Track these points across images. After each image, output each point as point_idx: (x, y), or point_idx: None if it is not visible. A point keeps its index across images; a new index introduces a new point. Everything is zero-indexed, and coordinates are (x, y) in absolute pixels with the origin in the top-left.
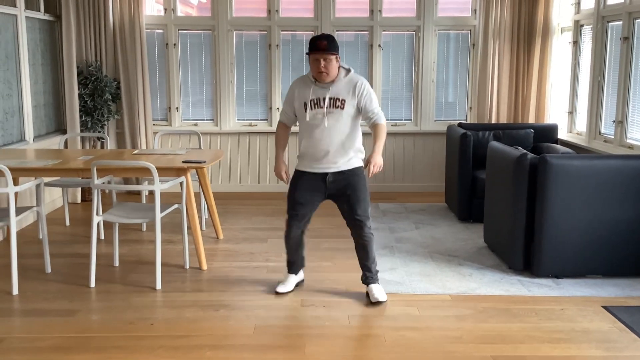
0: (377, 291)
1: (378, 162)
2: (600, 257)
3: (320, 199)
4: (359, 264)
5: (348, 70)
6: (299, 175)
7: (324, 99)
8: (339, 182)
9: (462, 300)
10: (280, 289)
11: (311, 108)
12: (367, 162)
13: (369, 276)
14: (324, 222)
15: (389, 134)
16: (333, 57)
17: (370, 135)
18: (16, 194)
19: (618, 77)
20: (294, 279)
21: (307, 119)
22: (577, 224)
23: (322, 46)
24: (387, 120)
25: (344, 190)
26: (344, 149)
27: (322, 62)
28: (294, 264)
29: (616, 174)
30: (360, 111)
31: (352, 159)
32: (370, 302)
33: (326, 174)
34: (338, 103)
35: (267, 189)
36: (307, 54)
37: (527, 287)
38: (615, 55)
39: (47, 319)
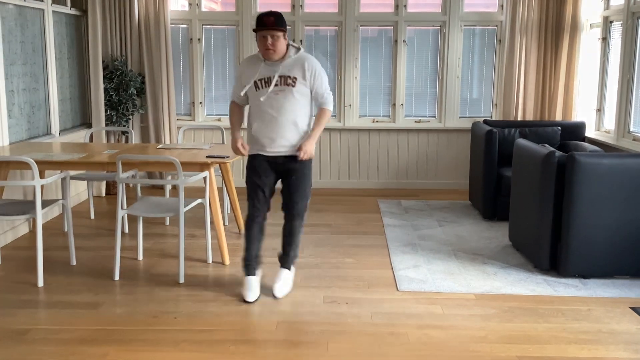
0: (281, 281)
1: (309, 150)
2: (628, 257)
3: (274, 179)
4: (281, 243)
5: (298, 49)
6: (252, 158)
7: (274, 77)
8: (288, 164)
9: (487, 300)
10: (250, 297)
11: (260, 87)
12: (299, 148)
13: (285, 259)
14: (346, 219)
15: (412, 130)
16: (280, 33)
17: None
18: (42, 186)
19: None
20: (255, 281)
21: (257, 98)
22: (605, 223)
23: (268, 22)
24: (410, 116)
25: (290, 174)
26: (296, 129)
27: (270, 39)
28: (249, 263)
29: None
30: (311, 91)
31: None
32: (271, 295)
33: (276, 157)
34: (289, 81)
35: None
36: (253, 30)
37: (553, 287)
38: None
39: (72, 311)
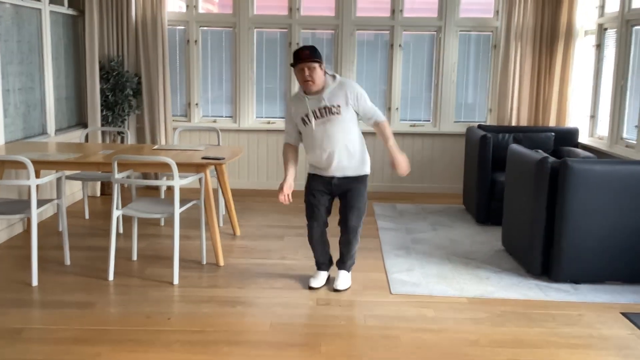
0: (341, 279)
1: (403, 161)
2: (620, 263)
3: (330, 198)
4: (339, 251)
5: (334, 76)
6: (310, 178)
7: (320, 109)
8: (344, 185)
9: (479, 304)
10: (313, 283)
11: (308, 122)
12: (395, 164)
13: (342, 265)
14: None
15: (407, 134)
16: (316, 64)
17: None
18: (37, 186)
19: None
20: (324, 275)
21: (308, 132)
22: (597, 229)
23: (304, 55)
24: (405, 120)
25: (346, 193)
26: (348, 153)
27: (307, 71)
28: (322, 264)
29: (638, 180)
30: (358, 114)
31: (359, 167)
32: (332, 288)
33: (333, 177)
34: (334, 109)
35: None
36: (291, 65)
37: (545, 292)
38: (639, 60)
39: (66, 310)
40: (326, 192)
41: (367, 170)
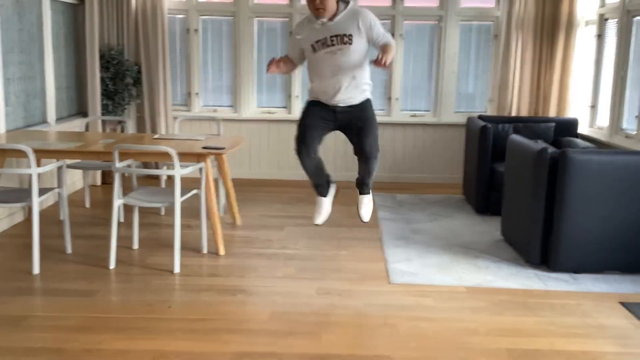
0: (365, 208)
1: (389, 56)
2: (619, 253)
3: (329, 127)
4: (358, 174)
5: (346, 2)
6: (310, 104)
7: (331, 37)
8: (349, 113)
9: (478, 293)
10: (318, 220)
11: (317, 49)
12: (381, 52)
13: (364, 187)
14: (341, 211)
15: (408, 124)
16: None
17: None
18: (38, 175)
19: None
20: (327, 202)
21: (315, 59)
22: (596, 220)
23: None
24: (406, 110)
25: (355, 122)
26: (355, 84)
27: None
28: (321, 186)
29: (637, 171)
30: (370, 42)
31: (362, 94)
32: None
33: (336, 106)
34: (345, 39)
35: (285, 177)
36: None
37: (543, 282)
38: (639, 51)
39: (67, 299)
40: (325, 119)
41: (369, 95)
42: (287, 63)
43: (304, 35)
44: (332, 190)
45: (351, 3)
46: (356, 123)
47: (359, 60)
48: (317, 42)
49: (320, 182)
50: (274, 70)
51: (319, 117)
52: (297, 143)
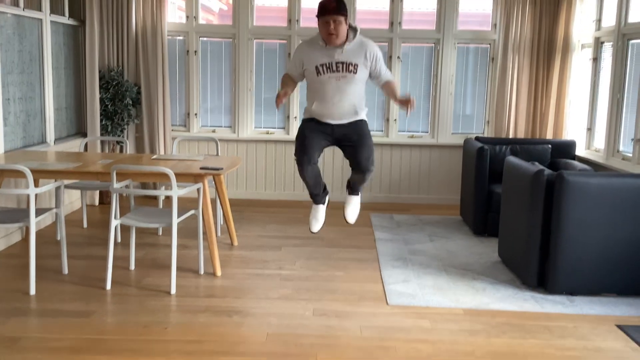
0: (351, 209)
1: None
2: (616, 275)
3: (326, 142)
4: (351, 178)
5: (355, 30)
6: (307, 120)
7: (337, 63)
8: (347, 127)
9: (475, 315)
10: (314, 227)
11: (322, 72)
12: (403, 101)
13: (354, 190)
14: (338, 232)
15: (405, 145)
16: (343, 18)
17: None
18: (36, 195)
19: (638, 95)
20: (322, 210)
21: (318, 82)
22: (592, 242)
23: (331, 8)
24: (403, 131)
25: (350, 136)
26: (354, 110)
27: (332, 24)
28: (317, 195)
29: (634, 193)
30: (371, 74)
31: (360, 113)
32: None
33: (332, 124)
34: (351, 67)
35: (283, 197)
36: (316, 16)
37: (540, 304)
38: (635, 74)
39: (63, 319)
40: (324, 133)
41: (365, 117)
42: (289, 84)
43: (310, 56)
44: (327, 199)
45: (359, 32)
46: (352, 137)
47: (361, 88)
48: (322, 65)
49: (317, 191)
50: (282, 101)
51: (318, 130)
52: (297, 152)
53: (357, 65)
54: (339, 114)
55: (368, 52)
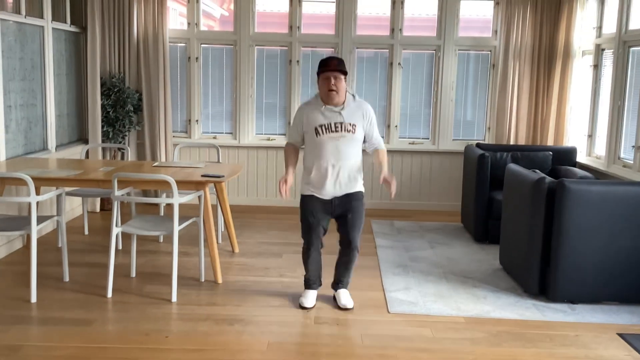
0: (345, 297)
1: (394, 182)
2: (617, 283)
3: (329, 215)
4: (335, 275)
5: (353, 95)
6: (308, 198)
7: (336, 124)
8: (344, 204)
9: (476, 323)
10: (306, 303)
11: (321, 133)
12: (386, 180)
13: (339, 285)
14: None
15: (406, 152)
16: (343, 76)
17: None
18: (37, 203)
19: (638, 102)
20: (313, 294)
21: (318, 143)
22: (594, 250)
23: (332, 65)
24: (404, 137)
25: (346, 213)
26: (352, 173)
27: (333, 80)
28: (314, 283)
29: (635, 201)
30: (365, 135)
31: (356, 185)
32: (338, 307)
33: (333, 198)
34: (349, 127)
35: (284, 203)
36: (317, 74)
37: (542, 312)
38: (636, 80)
39: (64, 327)
40: (326, 212)
41: (362, 187)
42: (291, 158)
43: (310, 117)
44: (318, 289)
45: (356, 96)
46: (347, 213)
47: (359, 150)
48: (321, 126)
49: (313, 279)
50: (286, 190)
51: (321, 210)
52: (306, 235)
53: (356, 126)
54: (339, 185)
55: (365, 112)
